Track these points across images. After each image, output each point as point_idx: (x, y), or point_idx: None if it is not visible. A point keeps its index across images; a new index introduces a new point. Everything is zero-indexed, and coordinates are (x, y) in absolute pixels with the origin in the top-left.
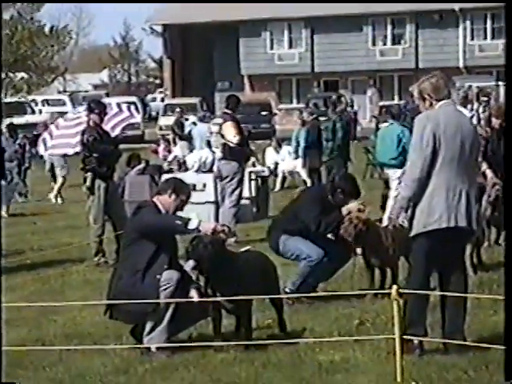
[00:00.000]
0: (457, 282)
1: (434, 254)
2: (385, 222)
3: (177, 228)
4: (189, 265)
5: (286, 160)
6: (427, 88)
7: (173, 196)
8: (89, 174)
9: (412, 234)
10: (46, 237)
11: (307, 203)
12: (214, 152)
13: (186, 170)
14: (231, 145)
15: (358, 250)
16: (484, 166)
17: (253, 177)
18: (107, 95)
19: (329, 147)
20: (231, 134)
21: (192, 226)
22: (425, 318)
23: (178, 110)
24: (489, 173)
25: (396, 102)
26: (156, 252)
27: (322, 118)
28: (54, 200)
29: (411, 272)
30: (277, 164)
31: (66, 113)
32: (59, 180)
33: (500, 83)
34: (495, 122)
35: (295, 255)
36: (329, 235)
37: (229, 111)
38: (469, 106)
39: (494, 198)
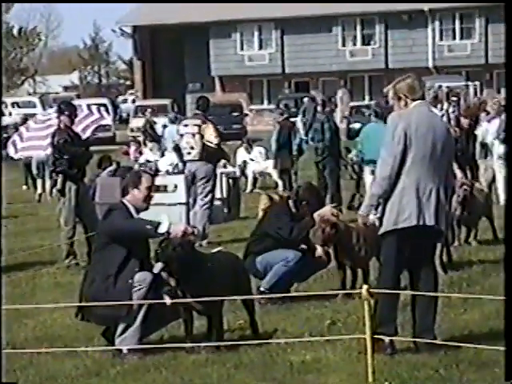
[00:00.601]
0: (426, 281)
1: (403, 253)
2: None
3: (147, 232)
4: (157, 267)
5: (257, 161)
6: (403, 88)
7: (139, 187)
8: (59, 176)
9: (381, 231)
10: (17, 239)
11: (275, 217)
12: (182, 154)
13: (157, 170)
14: (210, 145)
15: (319, 250)
16: (453, 166)
17: (224, 178)
18: (78, 97)
19: (319, 147)
20: (212, 135)
21: (162, 229)
22: (395, 317)
23: (148, 111)
24: (458, 173)
25: (367, 102)
26: (127, 256)
27: (292, 119)
28: (49, 197)
29: (381, 271)
30: (246, 164)
31: (37, 115)
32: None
33: (469, 83)
34: (464, 121)
35: (271, 264)
36: (303, 246)
37: (200, 112)
38: (439, 106)
39: (463, 198)
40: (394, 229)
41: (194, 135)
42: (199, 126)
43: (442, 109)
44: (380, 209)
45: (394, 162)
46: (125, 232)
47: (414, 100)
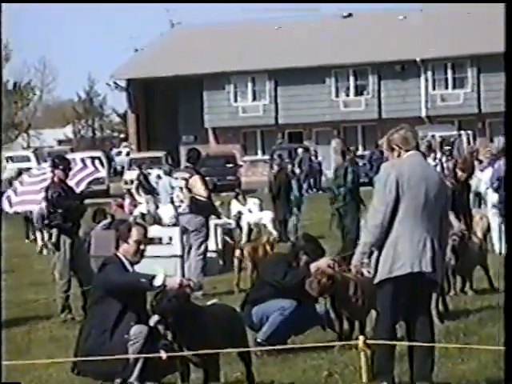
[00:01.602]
0: (423, 331)
1: (399, 302)
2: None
3: (142, 286)
4: (153, 319)
5: (252, 212)
6: (396, 139)
7: (128, 241)
8: (54, 230)
9: (377, 280)
10: (12, 294)
11: (271, 265)
12: (177, 206)
13: (156, 223)
14: (199, 198)
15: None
16: (451, 216)
17: (218, 229)
18: (72, 150)
19: (341, 193)
20: (201, 188)
21: (158, 282)
22: (392, 368)
23: (145, 164)
24: (455, 223)
25: (360, 152)
26: (123, 310)
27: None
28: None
29: (377, 321)
30: (241, 215)
31: (31, 169)
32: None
33: (462, 132)
34: (461, 175)
35: (268, 314)
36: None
37: (190, 165)
38: (432, 155)
39: (453, 247)
40: (389, 277)
41: (182, 189)
42: (186, 180)
43: (435, 158)
44: (373, 258)
45: (386, 210)
46: (119, 286)
47: (407, 151)
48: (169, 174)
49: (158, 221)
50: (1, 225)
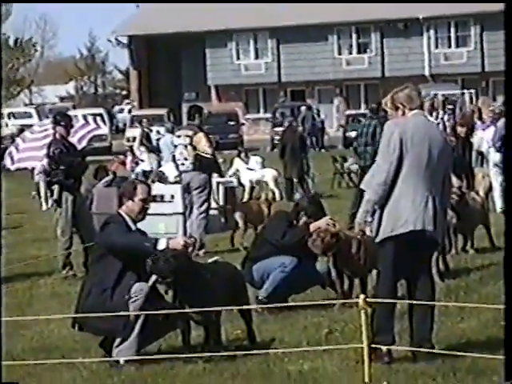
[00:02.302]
0: (423, 290)
1: (401, 260)
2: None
3: (146, 249)
4: (151, 280)
5: (254, 170)
6: (401, 97)
7: (134, 199)
8: (56, 187)
9: (379, 238)
10: (14, 250)
11: (273, 224)
12: (178, 165)
13: (158, 181)
14: (203, 155)
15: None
16: (451, 175)
17: (221, 187)
18: (74, 107)
19: (368, 151)
20: (205, 145)
21: (161, 246)
22: (392, 326)
23: (144, 121)
24: (455, 181)
25: (363, 110)
26: (124, 268)
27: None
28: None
29: (379, 279)
30: (239, 173)
31: (33, 125)
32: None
33: (465, 91)
34: (460, 130)
35: (268, 271)
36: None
37: (193, 122)
38: (434, 114)
39: (454, 206)
40: (391, 236)
41: (186, 146)
42: (191, 137)
43: (437, 117)
44: (376, 216)
45: (390, 169)
46: (122, 247)
47: (411, 109)
48: (171, 131)
49: (160, 178)
50: (1, 181)
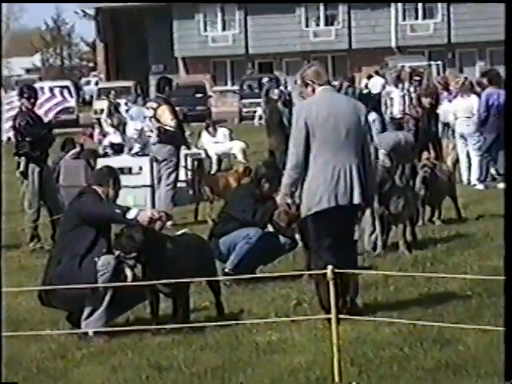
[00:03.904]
0: (347, 258)
1: (324, 234)
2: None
3: (116, 217)
4: (115, 255)
5: (221, 142)
6: (309, 74)
7: (112, 186)
8: (22, 159)
9: (302, 217)
10: None
11: (239, 200)
12: (148, 136)
13: (122, 152)
14: (167, 128)
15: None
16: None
17: (189, 159)
18: (40, 79)
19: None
20: (168, 118)
21: (131, 215)
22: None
23: (112, 93)
24: (424, 153)
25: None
26: (95, 238)
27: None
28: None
29: (310, 254)
30: (210, 146)
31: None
32: None
33: (432, 63)
34: (425, 101)
35: (234, 243)
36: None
37: (161, 95)
38: (400, 86)
39: (424, 178)
40: (309, 214)
41: (150, 119)
42: (154, 110)
43: (403, 88)
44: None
45: (298, 151)
46: (94, 215)
47: (320, 85)
48: (135, 103)
49: (127, 150)
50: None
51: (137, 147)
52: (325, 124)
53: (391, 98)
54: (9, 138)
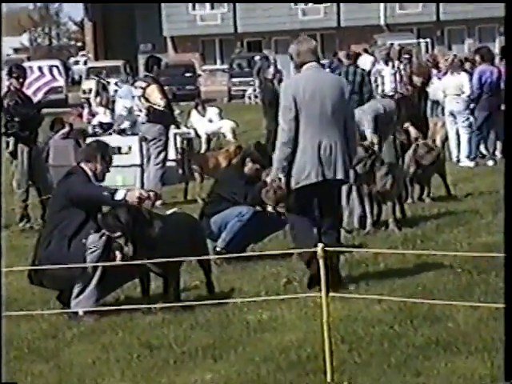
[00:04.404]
0: (331, 233)
1: (310, 208)
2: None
3: (104, 199)
4: (96, 236)
5: (211, 121)
6: (291, 52)
7: (100, 161)
8: (11, 139)
9: (291, 189)
10: None
11: (229, 181)
12: (137, 116)
13: (110, 133)
14: (156, 107)
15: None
16: (406, 124)
17: (178, 138)
18: (28, 59)
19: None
20: (157, 97)
21: (119, 196)
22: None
23: (104, 73)
24: (412, 130)
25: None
26: (84, 220)
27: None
28: None
29: (293, 225)
30: (200, 125)
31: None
32: None
33: (421, 40)
34: (417, 80)
35: (226, 221)
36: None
37: (150, 74)
38: (390, 64)
39: (414, 155)
40: (298, 188)
41: (139, 98)
42: (144, 89)
43: (393, 66)
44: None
45: (288, 127)
46: (82, 197)
47: (303, 63)
48: (126, 82)
49: (116, 130)
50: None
51: (126, 123)
52: (311, 100)
53: (382, 76)
54: None
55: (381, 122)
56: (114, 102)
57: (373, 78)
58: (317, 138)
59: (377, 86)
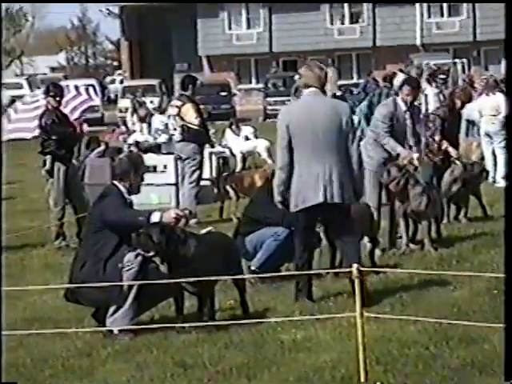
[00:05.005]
0: (351, 255)
1: (309, 229)
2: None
3: (140, 224)
4: (133, 255)
5: (246, 140)
6: (299, 78)
7: (134, 176)
8: (48, 157)
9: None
10: (6, 221)
11: (261, 205)
12: (172, 135)
13: (146, 151)
14: (190, 126)
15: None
16: (445, 145)
17: (213, 157)
18: (65, 78)
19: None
20: (192, 116)
21: (154, 219)
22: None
23: (138, 91)
24: (451, 150)
25: (355, 80)
26: (120, 242)
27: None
28: None
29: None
30: (234, 144)
31: (24, 96)
32: None
33: (457, 60)
34: (458, 103)
35: (262, 241)
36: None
37: (186, 93)
38: (434, 84)
39: (454, 175)
40: (297, 211)
41: (174, 117)
42: (179, 108)
43: (437, 86)
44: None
45: (283, 154)
46: (117, 223)
47: (306, 87)
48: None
49: (152, 149)
50: (1, 152)
51: (163, 137)
52: (303, 127)
53: (425, 95)
54: (34, 137)
55: (394, 119)
56: (152, 114)
57: None
58: (311, 163)
59: (419, 104)
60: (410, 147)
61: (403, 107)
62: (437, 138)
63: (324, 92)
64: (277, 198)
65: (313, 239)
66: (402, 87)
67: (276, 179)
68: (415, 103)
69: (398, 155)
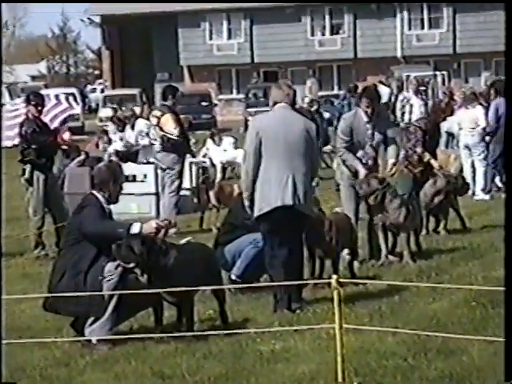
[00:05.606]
0: (291, 260)
1: (273, 232)
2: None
3: (120, 235)
4: (113, 265)
5: (227, 151)
6: (271, 94)
7: (113, 185)
8: (27, 166)
9: (254, 217)
10: None
11: (241, 209)
12: (152, 144)
13: (126, 160)
14: (170, 137)
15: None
16: (427, 157)
17: (193, 167)
18: (46, 86)
19: None
20: (171, 127)
21: (134, 230)
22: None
23: (118, 101)
24: (433, 162)
25: (336, 91)
26: (98, 253)
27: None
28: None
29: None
30: (215, 154)
31: (4, 104)
32: None
33: (437, 73)
34: (440, 117)
35: (240, 250)
36: None
37: (166, 103)
38: (420, 96)
39: (436, 187)
40: (260, 214)
41: (155, 127)
42: (158, 118)
43: (422, 99)
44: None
45: (249, 160)
46: (97, 235)
47: (277, 103)
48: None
49: (131, 157)
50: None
51: (146, 140)
52: (273, 137)
53: (411, 105)
54: (14, 145)
55: (354, 129)
56: (137, 117)
57: (399, 105)
58: (279, 170)
59: (403, 113)
60: (374, 158)
61: (365, 118)
62: (418, 149)
63: (293, 108)
64: (245, 201)
65: (281, 246)
66: (361, 99)
67: (242, 185)
68: (383, 113)
69: (376, 166)
